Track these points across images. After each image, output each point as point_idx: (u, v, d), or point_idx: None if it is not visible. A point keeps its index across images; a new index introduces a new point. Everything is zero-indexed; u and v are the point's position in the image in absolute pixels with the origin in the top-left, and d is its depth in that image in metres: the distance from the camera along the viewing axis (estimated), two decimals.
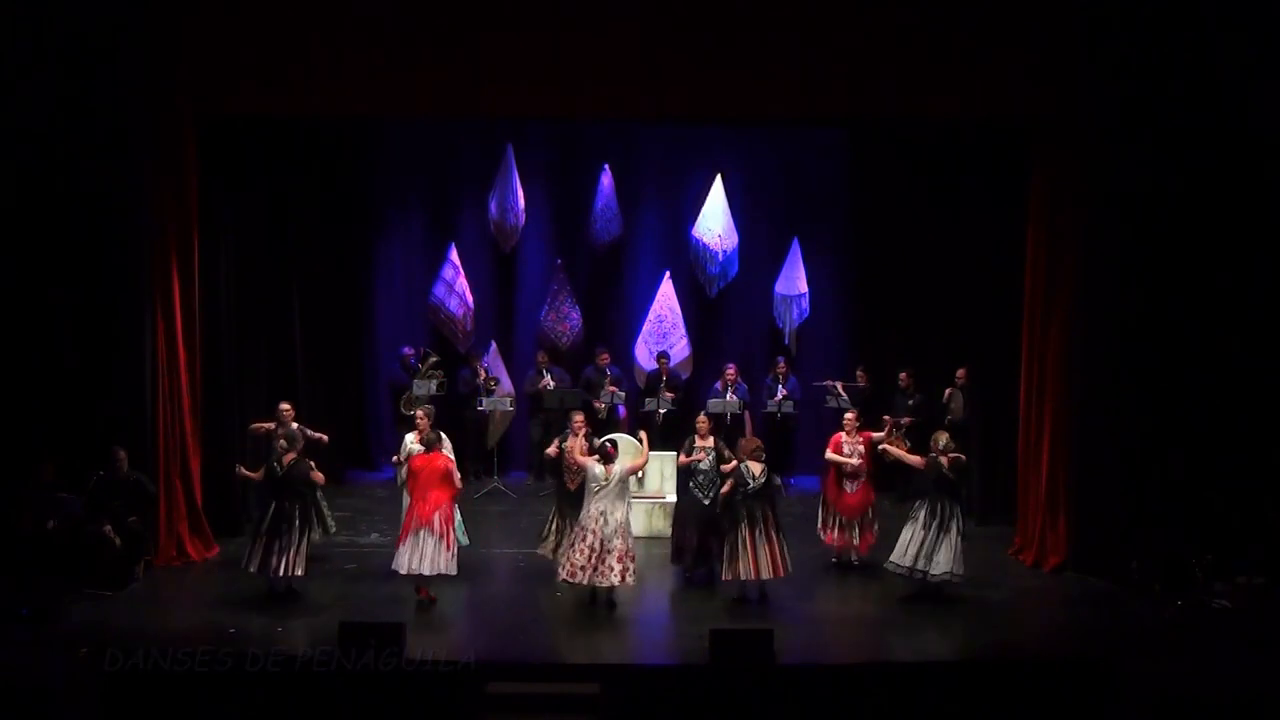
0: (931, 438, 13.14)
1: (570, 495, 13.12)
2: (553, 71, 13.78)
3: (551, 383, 17.19)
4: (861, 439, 13.80)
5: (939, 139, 15.95)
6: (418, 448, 13.17)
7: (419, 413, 13.76)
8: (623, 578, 12.41)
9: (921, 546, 12.68)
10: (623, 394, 17.29)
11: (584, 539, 12.44)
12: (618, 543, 12.38)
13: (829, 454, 13.94)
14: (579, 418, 13.48)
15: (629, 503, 12.74)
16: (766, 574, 12.56)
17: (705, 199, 17.91)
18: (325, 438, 14.13)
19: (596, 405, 17.06)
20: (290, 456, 12.69)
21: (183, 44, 13.57)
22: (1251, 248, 13.55)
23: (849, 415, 14.16)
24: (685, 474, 13.30)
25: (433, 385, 16.82)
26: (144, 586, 13.21)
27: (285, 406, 13.74)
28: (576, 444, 13.10)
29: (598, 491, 12.47)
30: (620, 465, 12.55)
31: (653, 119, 16.19)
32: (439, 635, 12.18)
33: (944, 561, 12.63)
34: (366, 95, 13.88)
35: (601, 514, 12.42)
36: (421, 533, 12.49)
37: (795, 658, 11.38)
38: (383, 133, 17.85)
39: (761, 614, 12.55)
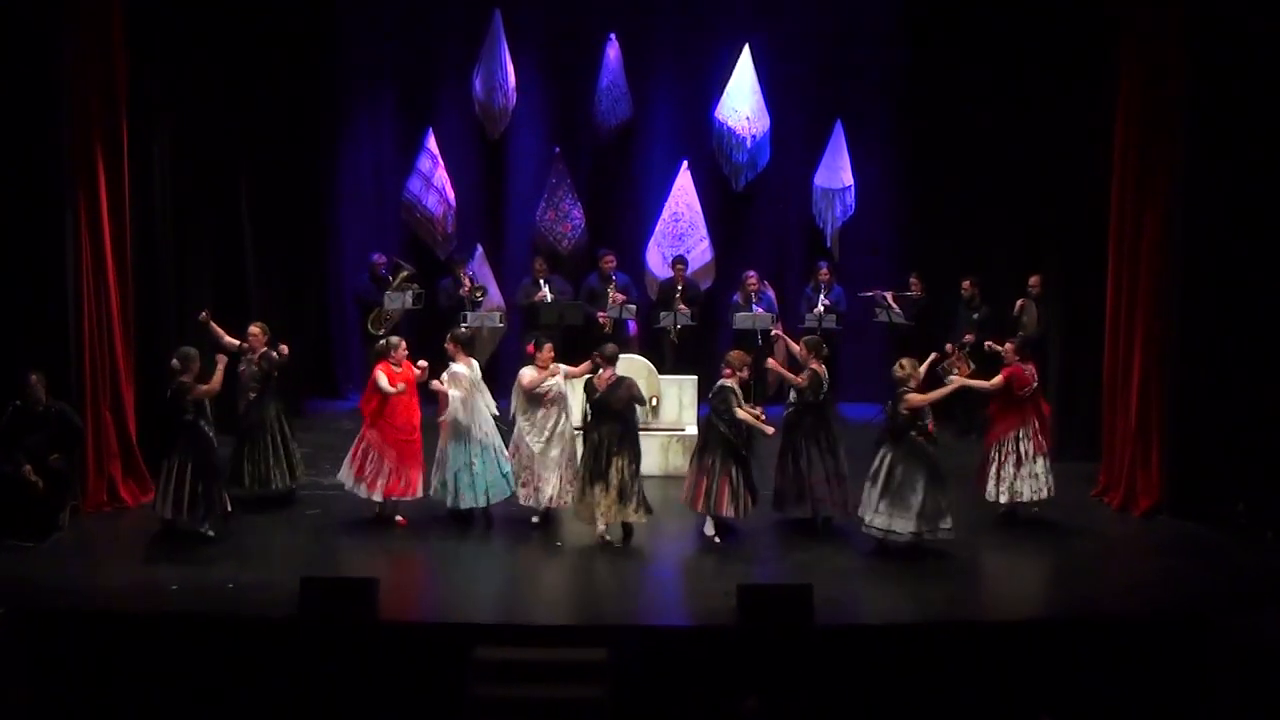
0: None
1: None
2: None
3: (549, 295, 17.15)
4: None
5: (1012, 5, 15.78)
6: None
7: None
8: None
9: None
10: (633, 306, 17.25)
11: None
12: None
13: None
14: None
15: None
16: None
17: (731, 74, 17.78)
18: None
19: (601, 318, 17.05)
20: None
21: None
22: None
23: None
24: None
25: (407, 298, 16.81)
26: (70, 536, 13.24)
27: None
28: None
29: None
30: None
31: None
32: (418, 592, 12.24)
33: None
34: None
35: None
36: None
37: (837, 618, 11.40)
38: None
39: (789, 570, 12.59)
